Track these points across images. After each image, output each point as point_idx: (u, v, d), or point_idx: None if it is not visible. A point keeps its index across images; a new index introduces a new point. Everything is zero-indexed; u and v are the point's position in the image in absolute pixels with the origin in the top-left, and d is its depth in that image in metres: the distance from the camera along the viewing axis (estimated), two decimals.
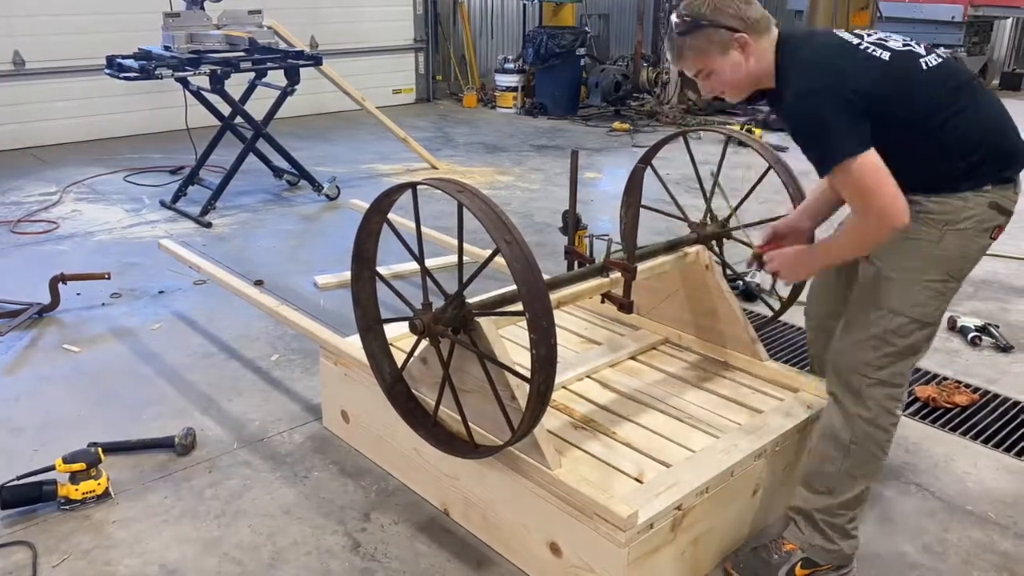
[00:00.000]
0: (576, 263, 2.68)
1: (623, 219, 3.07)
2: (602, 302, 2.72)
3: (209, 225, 5.25)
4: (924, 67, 2.07)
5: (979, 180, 2.04)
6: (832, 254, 2.25)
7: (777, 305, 3.06)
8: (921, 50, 2.11)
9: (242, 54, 5.36)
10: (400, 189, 2.18)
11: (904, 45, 2.12)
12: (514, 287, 1.98)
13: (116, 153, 6.97)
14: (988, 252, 2.15)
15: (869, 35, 2.14)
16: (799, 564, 2.28)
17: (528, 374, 1.98)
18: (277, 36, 5.87)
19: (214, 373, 3.42)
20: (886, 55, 2.05)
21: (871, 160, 1.93)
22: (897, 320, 2.12)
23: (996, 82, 11.72)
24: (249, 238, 5.09)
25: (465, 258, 2.26)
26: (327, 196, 5.81)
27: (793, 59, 2.07)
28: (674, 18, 2.15)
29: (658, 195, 3.11)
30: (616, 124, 8.73)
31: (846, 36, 2.12)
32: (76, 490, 2.54)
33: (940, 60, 2.10)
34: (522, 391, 2.09)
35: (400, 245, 2.28)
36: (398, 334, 2.79)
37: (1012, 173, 2.09)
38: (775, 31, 2.12)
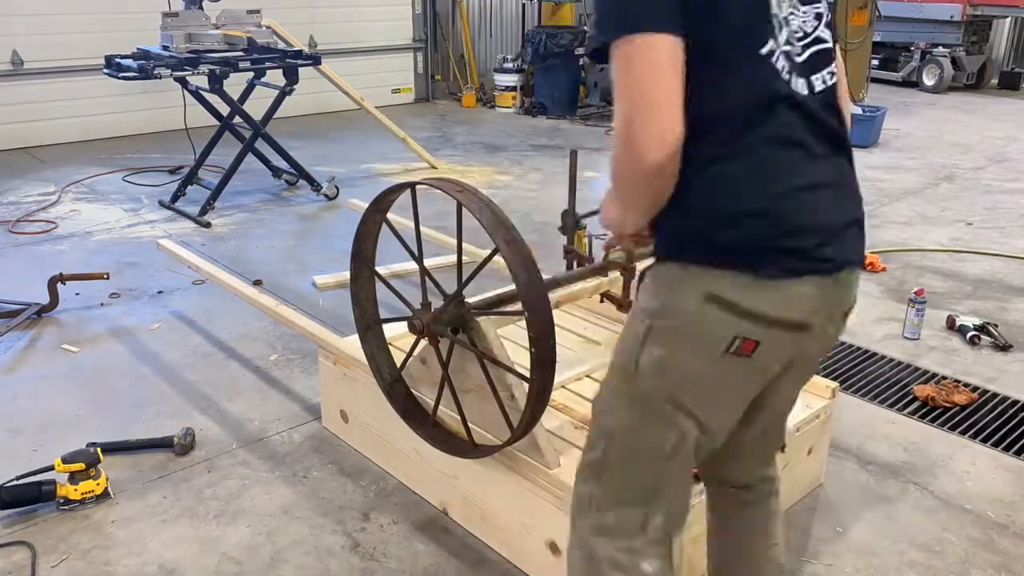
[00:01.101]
0: (575, 263, 2.68)
1: None
2: (601, 301, 2.72)
3: (208, 225, 5.24)
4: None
5: (713, 252, 1.36)
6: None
7: None
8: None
9: (241, 54, 5.36)
10: (399, 189, 2.18)
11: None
12: (513, 286, 1.98)
13: (115, 153, 6.97)
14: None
15: None
16: None
17: (528, 374, 1.98)
18: (276, 36, 5.87)
19: (213, 373, 3.42)
20: None
21: (660, 45, 1.26)
22: (612, 444, 1.54)
23: (995, 81, 11.74)
24: (248, 238, 5.08)
25: (464, 258, 2.26)
26: (326, 196, 5.80)
27: None
28: None
29: None
30: None
31: None
32: (75, 490, 2.54)
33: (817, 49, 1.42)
34: (521, 391, 2.09)
35: (399, 245, 2.28)
36: (397, 333, 2.79)
37: (768, 254, 1.35)
38: None
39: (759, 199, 1.35)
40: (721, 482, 1.83)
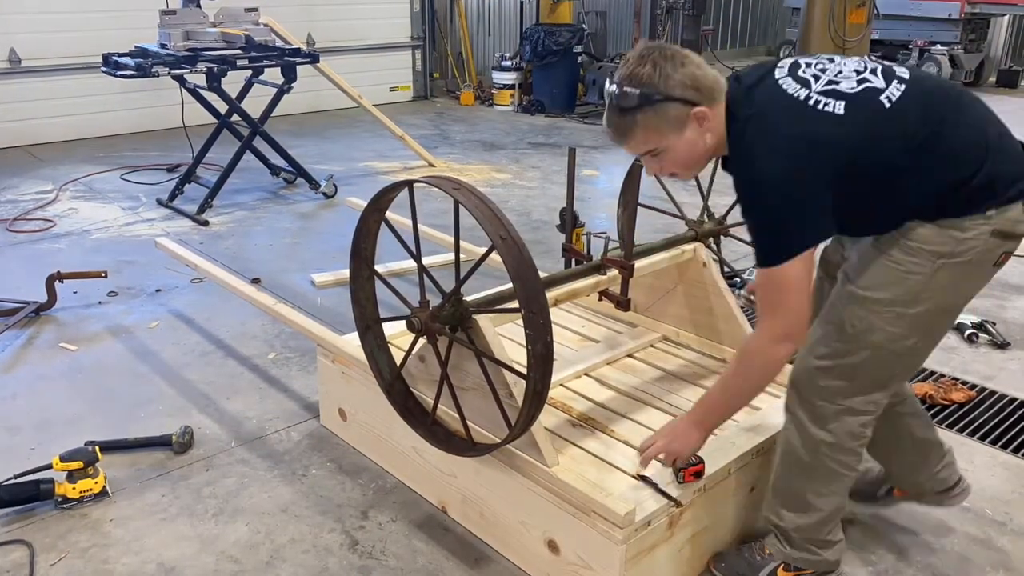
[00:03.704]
0: (573, 261, 2.68)
1: (620, 217, 3.07)
2: (600, 300, 2.72)
3: (206, 223, 5.24)
4: (887, 104, 1.82)
5: (977, 204, 1.84)
6: (720, 399, 2.09)
7: None
8: (879, 81, 1.85)
9: (239, 52, 5.35)
10: (397, 187, 2.18)
11: (859, 81, 1.84)
12: (511, 284, 1.98)
13: (113, 151, 6.96)
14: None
15: (816, 75, 1.86)
16: (781, 567, 2.23)
17: (526, 372, 1.98)
18: (274, 33, 5.86)
19: (211, 371, 3.42)
20: (840, 106, 1.79)
21: (807, 260, 1.81)
22: (876, 354, 1.95)
23: (993, 79, 11.74)
24: (246, 236, 5.08)
25: (462, 256, 2.26)
26: (324, 194, 5.80)
27: (745, 129, 1.83)
28: (614, 88, 1.82)
29: (655, 193, 3.11)
30: None
31: (791, 89, 1.83)
32: (73, 488, 2.54)
33: (904, 87, 1.84)
34: (519, 389, 2.09)
35: (397, 243, 2.28)
36: (396, 331, 2.79)
37: (1015, 191, 1.86)
38: (724, 91, 1.88)
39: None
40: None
